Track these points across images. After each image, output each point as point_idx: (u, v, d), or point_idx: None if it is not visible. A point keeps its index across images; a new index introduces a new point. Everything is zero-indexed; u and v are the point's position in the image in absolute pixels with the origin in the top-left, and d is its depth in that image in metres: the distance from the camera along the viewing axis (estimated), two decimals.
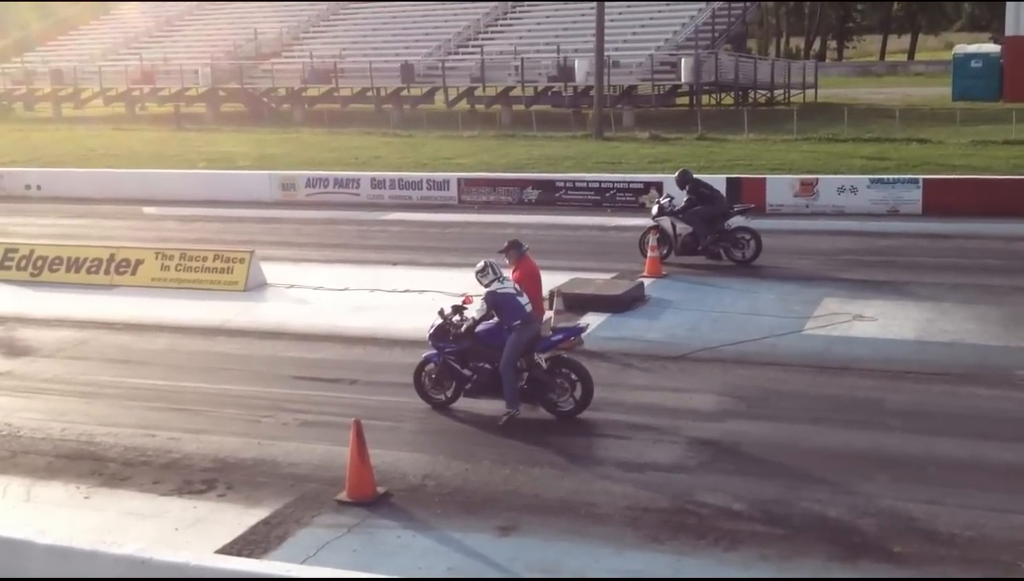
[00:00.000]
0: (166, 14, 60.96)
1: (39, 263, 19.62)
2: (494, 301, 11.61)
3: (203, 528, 9.27)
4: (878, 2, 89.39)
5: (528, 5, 52.58)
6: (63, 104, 56.15)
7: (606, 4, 38.83)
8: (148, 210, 28.32)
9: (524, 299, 11.71)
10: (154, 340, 15.72)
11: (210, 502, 9.84)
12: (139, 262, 19.14)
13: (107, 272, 19.18)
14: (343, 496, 9.71)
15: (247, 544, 8.91)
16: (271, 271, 19.05)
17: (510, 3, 52.58)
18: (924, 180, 24.36)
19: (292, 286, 18.67)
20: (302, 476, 10.34)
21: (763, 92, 51.81)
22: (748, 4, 51.93)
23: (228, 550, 8.73)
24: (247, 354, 14.88)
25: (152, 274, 18.94)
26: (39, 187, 31.63)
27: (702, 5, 48.38)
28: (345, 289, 18.18)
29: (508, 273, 12.58)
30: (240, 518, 9.41)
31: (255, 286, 18.47)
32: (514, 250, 12.90)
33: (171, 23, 60.25)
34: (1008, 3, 50.66)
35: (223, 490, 10.09)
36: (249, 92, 52.48)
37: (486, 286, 11.73)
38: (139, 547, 7.42)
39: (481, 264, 11.86)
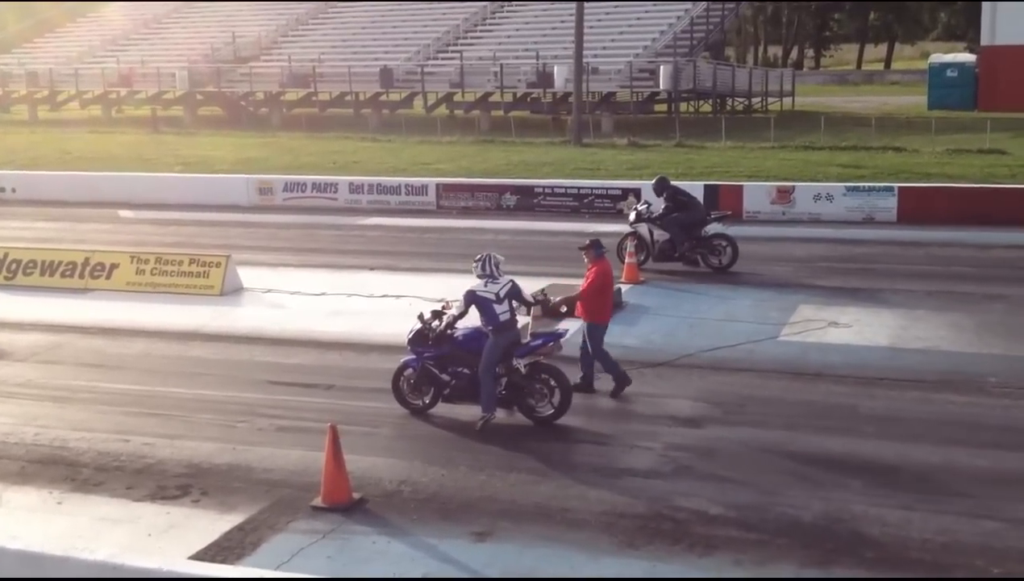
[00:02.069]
0: (143, 17, 60.67)
1: (13, 266, 19.48)
2: (472, 300, 11.59)
3: (177, 534, 9.21)
4: (856, 7, 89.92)
5: (507, 11, 52.66)
6: (39, 106, 55.78)
7: (585, 11, 38.95)
8: (124, 213, 28.18)
9: (502, 308, 11.63)
10: (129, 344, 15.62)
11: (184, 508, 9.79)
12: (114, 266, 19.04)
13: (82, 276, 19.07)
14: (318, 502, 9.67)
15: (221, 550, 8.86)
16: (248, 275, 18.98)
17: (489, 9, 52.64)
18: (899, 188, 24.56)
19: (269, 291, 18.61)
20: (277, 482, 10.30)
21: (741, 100, 52.08)
22: (726, 13, 52.17)
23: (202, 556, 8.68)
24: (223, 359, 14.82)
25: (127, 278, 18.83)
26: (14, 190, 31.43)
27: (681, 12, 48.59)
28: (322, 294, 18.14)
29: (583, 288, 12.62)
30: (214, 524, 9.36)
31: (231, 290, 18.40)
32: (593, 250, 12.89)
33: (148, 26, 59.97)
34: (984, 13, 51.15)
35: (197, 496, 10.04)
36: (227, 95, 52.28)
37: (476, 276, 11.70)
38: (112, 553, 7.38)
39: (481, 254, 11.82)
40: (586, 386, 12.71)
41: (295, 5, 57.28)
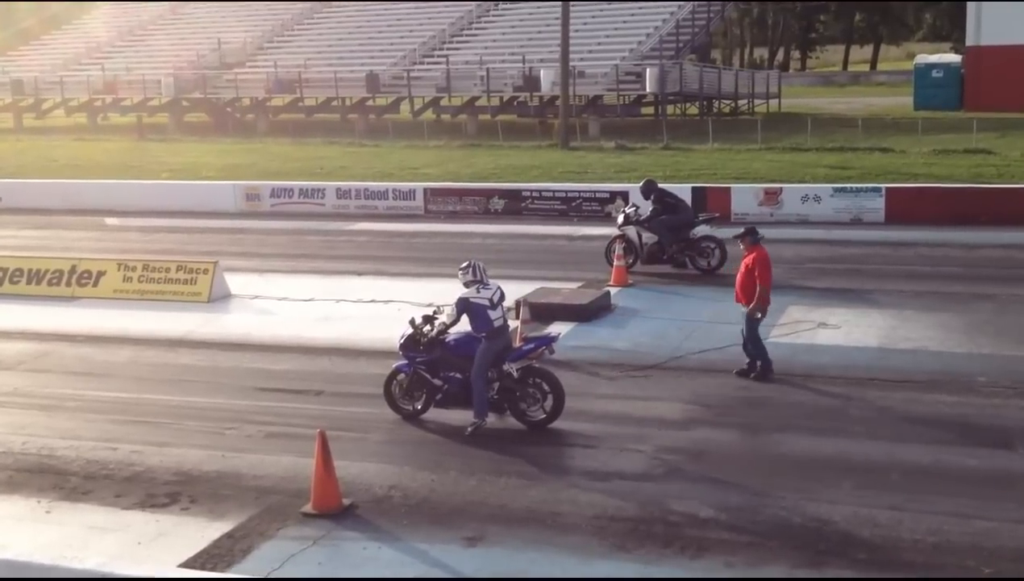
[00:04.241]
0: (128, 24, 60.53)
1: None
2: (465, 307, 11.57)
3: (166, 542, 9.17)
4: (842, 9, 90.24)
5: (493, 15, 52.68)
6: (24, 115, 55.57)
7: (571, 14, 38.97)
8: (111, 221, 28.10)
9: (496, 313, 11.63)
10: (116, 352, 15.56)
11: (173, 516, 9.74)
12: (101, 274, 18.97)
13: (69, 284, 18.99)
14: (308, 508, 9.64)
15: (211, 558, 8.82)
16: (235, 282, 18.93)
17: (475, 13, 52.65)
18: (886, 189, 24.61)
19: (256, 297, 18.56)
20: (266, 488, 10.26)
21: (727, 102, 52.13)
22: (712, 15, 52.25)
23: (191, 564, 8.65)
24: (211, 366, 14.76)
25: (114, 286, 18.77)
26: (0, 198, 31.27)
27: (666, 16, 48.66)
28: (310, 300, 18.10)
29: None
30: (204, 531, 9.31)
31: (219, 297, 18.35)
32: (749, 237, 13.28)
33: (133, 33, 59.81)
34: (968, 14, 51.35)
35: (186, 503, 9.99)
36: (213, 102, 52.18)
37: (464, 284, 11.67)
38: (101, 562, 7.35)
39: (468, 261, 11.82)
40: (765, 372, 13.11)
41: (280, 11, 57.22)
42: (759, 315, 13.16)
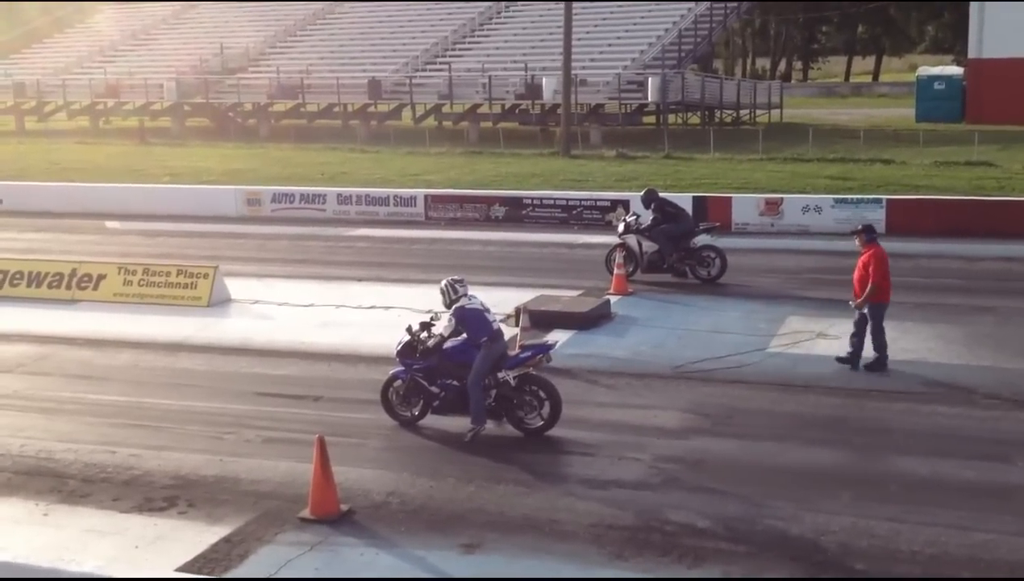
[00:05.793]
0: (131, 27, 60.62)
1: (0, 277, 19.37)
2: (462, 316, 11.59)
3: (164, 546, 9.16)
4: (845, 20, 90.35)
5: (496, 23, 52.76)
6: (26, 117, 55.62)
7: (573, 22, 39.06)
8: (111, 225, 28.09)
9: (492, 316, 11.70)
10: (116, 356, 15.55)
11: (171, 519, 9.74)
12: (101, 277, 18.97)
13: (69, 287, 18.99)
14: (306, 514, 9.64)
15: (208, 562, 8.81)
16: (235, 287, 18.93)
17: (478, 20, 52.72)
18: (887, 200, 24.64)
19: (256, 302, 18.56)
20: (264, 493, 10.26)
21: (729, 112, 52.24)
22: (715, 25, 52.32)
23: (189, 568, 8.64)
24: (210, 370, 14.76)
25: (114, 289, 18.77)
26: (1, 201, 31.29)
27: (669, 25, 48.74)
28: (310, 305, 18.10)
29: None
30: (201, 536, 9.31)
31: (219, 302, 18.35)
32: (865, 234, 13.86)
33: (136, 37, 59.89)
34: (971, 26, 51.46)
35: (184, 507, 9.99)
36: (215, 107, 52.25)
37: (451, 301, 11.70)
38: (98, 565, 7.37)
39: (443, 284, 11.87)
40: (851, 359, 13.88)
41: (284, 16, 57.30)
42: (864, 309, 13.70)
